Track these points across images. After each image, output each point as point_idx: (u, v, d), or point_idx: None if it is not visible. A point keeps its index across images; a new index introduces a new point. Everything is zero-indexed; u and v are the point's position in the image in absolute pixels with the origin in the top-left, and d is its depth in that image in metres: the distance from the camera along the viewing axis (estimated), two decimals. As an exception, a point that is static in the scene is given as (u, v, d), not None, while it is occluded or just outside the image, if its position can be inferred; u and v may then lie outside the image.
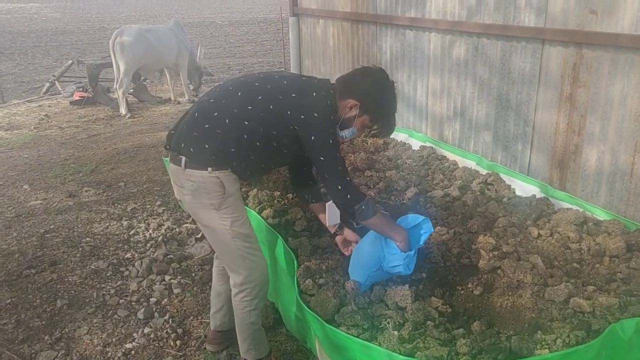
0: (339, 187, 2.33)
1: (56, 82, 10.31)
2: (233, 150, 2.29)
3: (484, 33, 4.12)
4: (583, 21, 3.30)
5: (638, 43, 2.98)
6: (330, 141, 2.28)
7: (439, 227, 3.12)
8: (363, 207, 2.37)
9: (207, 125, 2.31)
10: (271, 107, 2.29)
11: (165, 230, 4.44)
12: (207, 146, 2.28)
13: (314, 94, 2.30)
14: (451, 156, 4.47)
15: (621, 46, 3.08)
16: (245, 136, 2.30)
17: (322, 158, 2.30)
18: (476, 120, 4.38)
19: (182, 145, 2.34)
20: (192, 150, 2.31)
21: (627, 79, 3.09)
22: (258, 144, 2.33)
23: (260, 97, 2.30)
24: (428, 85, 4.97)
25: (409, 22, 5.05)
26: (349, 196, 2.35)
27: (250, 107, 2.29)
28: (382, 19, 5.55)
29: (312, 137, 2.27)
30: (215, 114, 2.32)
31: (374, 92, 2.38)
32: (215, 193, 2.32)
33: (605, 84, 3.23)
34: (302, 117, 2.26)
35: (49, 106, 9.54)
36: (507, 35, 3.89)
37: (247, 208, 3.06)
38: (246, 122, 2.29)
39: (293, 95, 2.29)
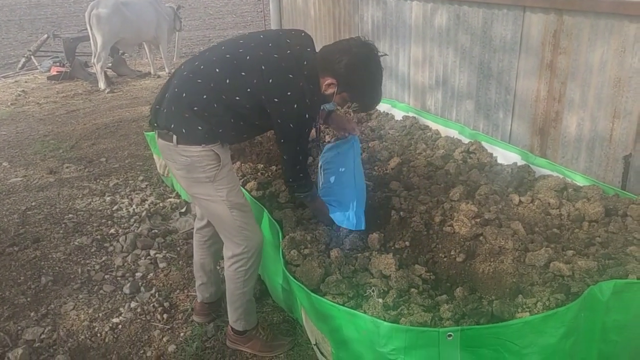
0: (290, 179, 2.63)
1: (32, 57, 10.08)
2: (221, 130, 2.39)
3: (465, 1, 4.09)
4: (564, -13, 3.29)
5: (617, 9, 2.98)
6: (298, 148, 2.48)
7: (422, 196, 3.14)
8: (302, 196, 2.74)
9: (195, 108, 2.35)
10: (255, 104, 2.37)
11: (149, 205, 4.42)
12: (200, 128, 2.33)
13: (295, 105, 2.34)
14: (434, 125, 4.48)
15: (601, 12, 3.08)
16: (232, 120, 2.40)
17: (285, 157, 2.53)
18: (458, 89, 4.38)
19: (173, 125, 2.37)
20: (184, 131, 2.35)
21: (606, 45, 3.11)
22: (242, 123, 2.44)
23: (249, 90, 2.35)
24: (410, 54, 4.95)
25: (390, -9, 4.99)
26: (295, 187, 2.66)
27: (237, 98, 2.36)
28: (363, -13, 5.48)
29: (282, 140, 2.46)
30: (204, 96, 2.35)
31: (351, 73, 2.41)
32: (209, 166, 2.38)
33: (585, 50, 3.24)
34: (279, 121, 2.38)
35: (26, 82, 9.35)
36: (489, 3, 3.87)
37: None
38: (233, 110, 2.38)
39: (275, 100, 2.35)
